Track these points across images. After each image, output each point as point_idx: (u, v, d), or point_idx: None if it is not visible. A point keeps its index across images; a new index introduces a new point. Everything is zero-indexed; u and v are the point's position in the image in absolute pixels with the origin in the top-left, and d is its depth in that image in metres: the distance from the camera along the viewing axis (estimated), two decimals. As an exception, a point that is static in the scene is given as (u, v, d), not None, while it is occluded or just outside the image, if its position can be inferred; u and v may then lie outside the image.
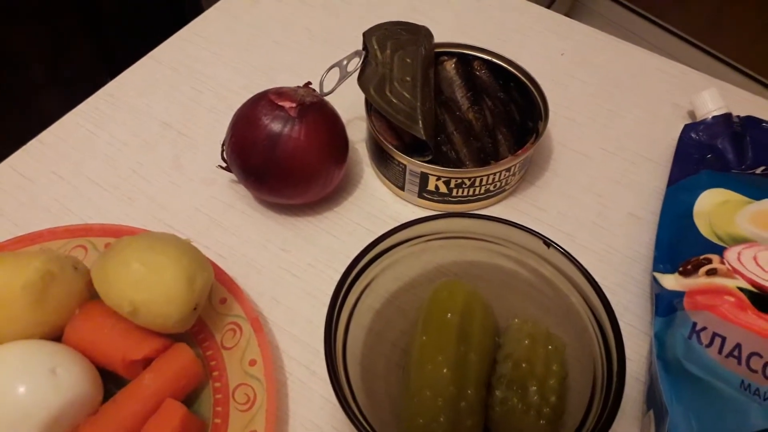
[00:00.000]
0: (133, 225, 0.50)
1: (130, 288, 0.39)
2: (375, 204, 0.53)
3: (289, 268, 0.50)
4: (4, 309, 0.38)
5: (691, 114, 0.60)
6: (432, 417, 0.35)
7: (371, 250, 0.41)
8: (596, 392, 0.38)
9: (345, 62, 0.51)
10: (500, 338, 0.41)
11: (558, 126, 0.59)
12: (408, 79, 0.50)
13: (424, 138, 0.47)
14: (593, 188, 0.55)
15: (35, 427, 0.36)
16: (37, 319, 0.39)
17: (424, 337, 0.39)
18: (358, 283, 0.41)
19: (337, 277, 0.47)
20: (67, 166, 0.55)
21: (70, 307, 0.41)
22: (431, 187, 0.50)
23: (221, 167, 0.52)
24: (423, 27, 0.56)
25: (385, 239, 0.42)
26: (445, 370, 0.37)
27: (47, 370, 0.37)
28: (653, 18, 1.59)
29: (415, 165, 0.49)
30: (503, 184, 0.51)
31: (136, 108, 0.60)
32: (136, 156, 0.56)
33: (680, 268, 0.46)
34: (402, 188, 0.52)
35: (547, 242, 0.41)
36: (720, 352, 0.41)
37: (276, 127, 0.47)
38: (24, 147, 0.56)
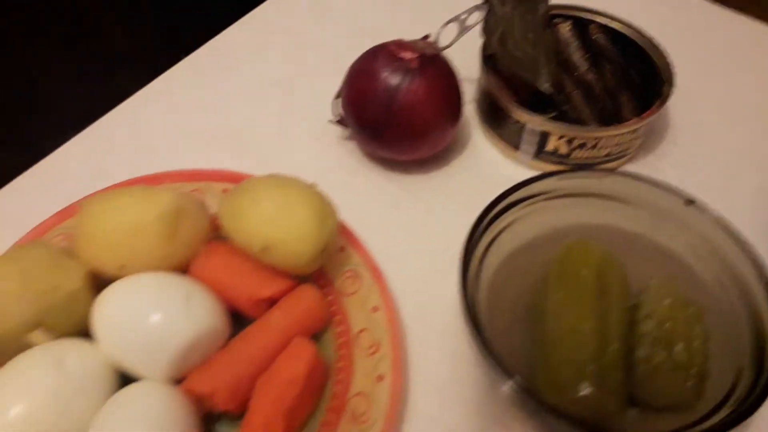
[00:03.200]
0: (246, 174, 0.50)
1: (263, 225, 0.38)
2: (484, 166, 0.52)
3: (398, 224, 0.49)
4: (138, 239, 0.38)
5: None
6: (578, 368, 0.34)
7: (504, 199, 0.40)
8: (744, 363, 0.36)
9: (464, 16, 0.50)
10: (637, 299, 0.40)
11: (677, 91, 0.57)
12: (529, 35, 0.49)
13: (547, 90, 0.46)
14: (716, 160, 0.53)
15: (169, 354, 0.36)
16: (167, 251, 0.39)
17: (560, 292, 0.38)
18: (487, 232, 0.40)
19: (448, 233, 0.47)
20: (174, 117, 0.55)
21: (197, 243, 0.41)
22: (550, 147, 0.48)
23: (333, 122, 0.51)
24: (540, -14, 0.54)
25: (519, 189, 0.41)
26: (586, 323, 0.36)
27: (182, 300, 0.37)
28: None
29: (536, 122, 0.47)
30: (625, 149, 0.49)
31: (241, 65, 0.60)
32: (243, 112, 0.56)
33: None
34: (516, 148, 0.51)
35: (689, 199, 0.39)
36: None
37: (396, 78, 0.46)
38: (135, 95, 0.57)
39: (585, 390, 0.33)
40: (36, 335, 0.36)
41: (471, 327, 0.34)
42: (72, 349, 0.36)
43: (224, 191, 0.47)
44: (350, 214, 0.49)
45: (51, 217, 0.45)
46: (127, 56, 1.16)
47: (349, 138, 0.54)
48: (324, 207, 0.40)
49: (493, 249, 0.41)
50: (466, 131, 0.55)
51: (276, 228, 0.38)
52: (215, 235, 0.42)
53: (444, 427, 0.39)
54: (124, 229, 0.38)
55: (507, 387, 0.33)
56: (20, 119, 1.14)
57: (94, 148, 0.53)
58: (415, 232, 0.48)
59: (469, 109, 0.56)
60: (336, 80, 0.51)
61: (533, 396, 0.31)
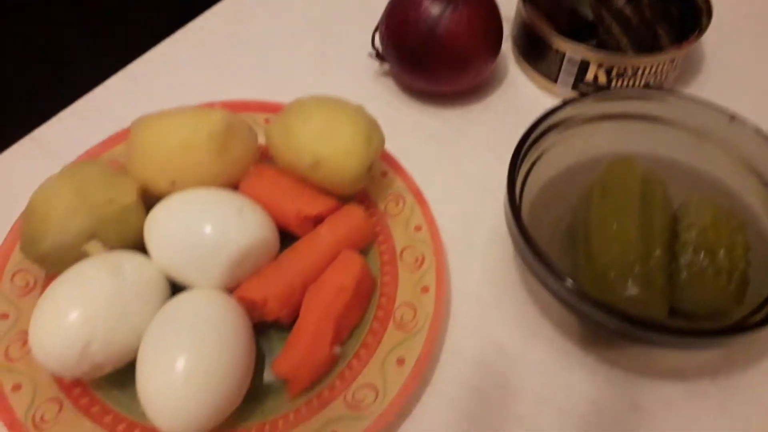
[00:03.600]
0: (286, 106, 0.51)
1: (313, 141, 0.39)
2: (522, 99, 0.53)
3: (438, 154, 0.50)
4: (191, 155, 0.39)
5: None
6: (625, 270, 0.35)
7: (549, 118, 0.41)
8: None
9: (503, -51, 0.50)
10: (679, 212, 0.40)
11: (712, 26, 0.57)
12: (570, -36, 0.49)
13: (590, 15, 0.46)
14: (750, 94, 0.53)
15: (223, 263, 0.37)
16: (218, 168, 0.40)
17: (604, 202, 0.39)
18: (531, 151, 0.41)
19: (486, 163, 0.48)
20: (215, 55, 0.56)
21: (246, 162, 0.42)
22: (589, 77, 0.49)
23: (372, 55, 0.52)
24: None
25: (563, 108, 0.41)
26: (632, 229, 0.36)
27: (235, 212, 0.38)
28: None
29: (576, 51, 0.48)
30: (662, 78, 0.49)
31: (279, 3, 0.60)
32: (281, 50, 0.57)
33: None
34: (555, 80, 0.51)
35: (732, 116, 0.40)
36: None
37: (438, 6, 0.46)
38: (173, 36, 0.58)
39: (631, 290, 0.34)
40: (91, 246, 0.38)
41: (520, 233, 0.35)
42: (127, 258, 0.37)
43: (266, 121, 0.48)
44: (390, 145, 0.50)
45: (99, 144, 0.46)
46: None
47: (387, 74, 0.54)
48: (370, 126, 0.41)
49: (534, 172, 0.42)
50: (503, 67, 0.55)
51: (325, 144, 0.39)
52: (262, 160, 0.43)
53: (485, 338, 0.40)
54: (176, 145, 0.39)
55: (559, 287, 0.33)
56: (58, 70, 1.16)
57: (136, 84, 0.54)
58: (453, 161, 0.49)
59: (506, 47, 0.56)
60: (373, 15, 0.52)
61: (585, 295, 0.32)
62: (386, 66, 0.54)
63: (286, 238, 0.41)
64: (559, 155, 0.43)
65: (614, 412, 0.38)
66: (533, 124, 0.40)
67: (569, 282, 0.33)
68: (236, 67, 0.55)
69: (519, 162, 0.38)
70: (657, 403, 0.38)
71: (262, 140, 0.44)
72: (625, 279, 0.34)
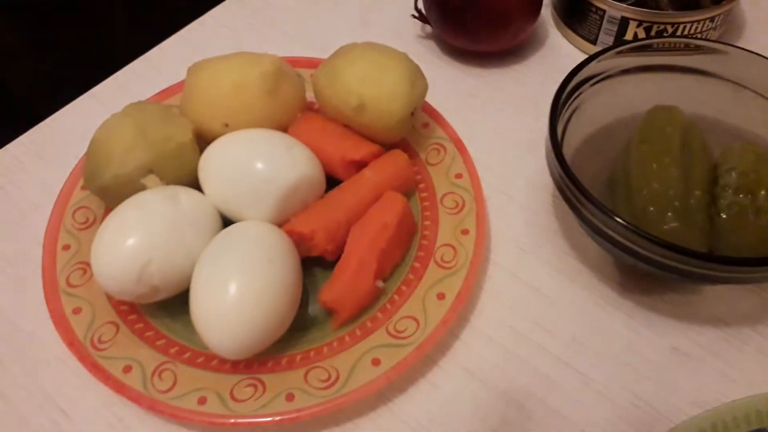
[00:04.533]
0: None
1: (358, 84, 0.41)
2: (562, 60, 0.54)
3: (478, 111, 0.51)
4: (243, 95, 0.41)
5: None
6: (664, 204, 0.35)
7: (592, 61, 0.41)
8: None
9: None
10: (719, 160, 0.40)
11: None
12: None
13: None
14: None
15: (274, 196, 0.38)
16: (268, 109, 0.42)
17: (645, 146, 0.39)
18: (570, 101, 0.41)
19: (528, 121, 0.49)
20: (259, 20, 0.58)
21: (294, 107, 0.43)
22: (629, 36, 0.49)
23: (414, 16, 0.53)
24: None
25: (603, 54, 0.41)
26: (672, 169, 0.37)
27: (285, 149, 0.39)
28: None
29: (616, 9, 0.48)
30: (703, 37, 0.50)
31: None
32: (324, 14, 0.59)
33: None
34: (594, 42, 0.52)
35: (776, 63, 0.40)
36: None
37: (481, -36, 0.48)
38: (223, 4, 0.60)
39: (671, 223, 0.34)
40: (149, 179, 0.40)
41: (561, 168, 0.36)
42: (183, 190, 0.39)
43: (311, 76, 0.49)
44: (432, 102, 0.51)
45: (155, 94, 0.48)
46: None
47: (429, 35, 0.56)
48: (414, 71, 0.42)
49: (575, 122, 0.42)
50: (543, 31, 0.56)
51: (370, 86, 0.41)
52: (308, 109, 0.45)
53: (524, 283, 0.41)
54: (229, 85, 0.41)
55: (602, 222, 0.34)
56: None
57: (189, 46, 0.57)
58: (492, 118, 0.50)
59: (545, 13, 0.57)
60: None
61: (627, 226, 0.32)
62: (428, 28, 0.56)
63: (331, 183, 0.42)
64: (599, 107, 0.43)
65: (652, 354, 0.38)
66: (576, 68, 0.40)
67: (612, 214, 0.33)
68: (282, 32, 0.57)
69: (562, 102, 0.39)
70: (697, 347, 0.38)
71: (309, 95, 0.46)
72: (665, 213, 0.35)
